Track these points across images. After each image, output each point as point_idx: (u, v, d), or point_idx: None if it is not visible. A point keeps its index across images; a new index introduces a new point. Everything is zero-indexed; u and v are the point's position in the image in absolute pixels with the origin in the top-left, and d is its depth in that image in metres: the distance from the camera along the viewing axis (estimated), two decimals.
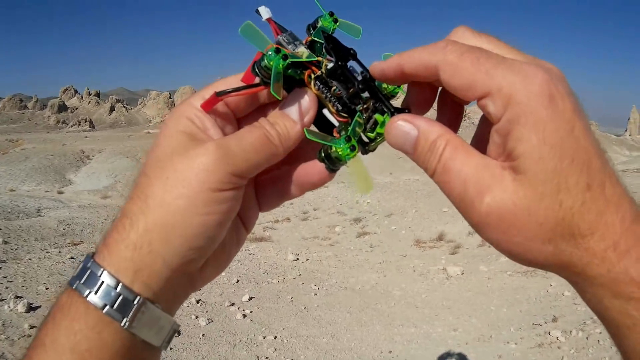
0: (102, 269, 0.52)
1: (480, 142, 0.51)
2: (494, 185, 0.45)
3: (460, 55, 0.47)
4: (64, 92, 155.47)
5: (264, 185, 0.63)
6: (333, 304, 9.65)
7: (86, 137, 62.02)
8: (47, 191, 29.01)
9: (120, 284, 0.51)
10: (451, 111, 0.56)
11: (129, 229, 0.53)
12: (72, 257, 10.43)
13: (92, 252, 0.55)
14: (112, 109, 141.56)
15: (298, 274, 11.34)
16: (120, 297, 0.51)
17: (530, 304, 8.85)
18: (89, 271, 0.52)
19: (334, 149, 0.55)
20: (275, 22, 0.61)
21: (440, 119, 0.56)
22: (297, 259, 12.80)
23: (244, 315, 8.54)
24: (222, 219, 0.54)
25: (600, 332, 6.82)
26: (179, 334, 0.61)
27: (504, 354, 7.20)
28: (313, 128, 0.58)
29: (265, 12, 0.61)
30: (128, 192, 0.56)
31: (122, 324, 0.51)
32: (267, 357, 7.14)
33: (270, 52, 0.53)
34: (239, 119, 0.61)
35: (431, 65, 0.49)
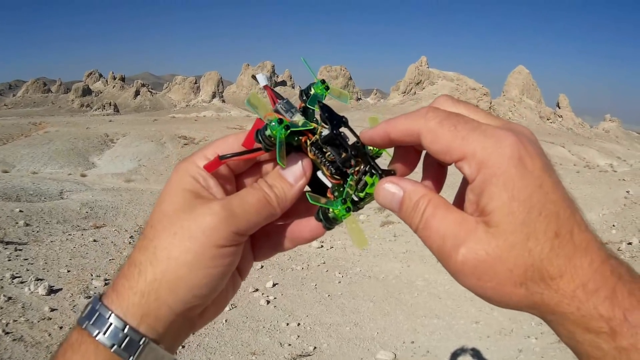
0: (110, 312, 0.57)
1: (461, 200, 0.54)
2: (469, 238, 0.49)
3: (439, 123, 0.51)
4: (88, 76, 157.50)
5: (260, 238, 0.68)
6: (357, 292, 9.77)
7: (110, 121, 62.59)
8: (70, 174, 29.21)
9: (128, 326, 0.56)
10: (435, 172, 0.60)
11: (137, 277, 0.57)
12: (94, 240, 10.46)
13: (99, 295, 0.60)
14: (137, 93, 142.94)
15: (322, 262, 11.49)
16: (128, 338, 0.56)
17: None
18: (97, 313, 0.57)
19: (331, 210, 0.60)
20: (271, 90, 0.65)
21: (426, 178, 0.60)
22: (322, 246, 12.99)
23: (268, 302, 8.61)
24: (225, 271, 0.59)
25: None
26: None
27: (525, 348, 7.38)
28: (307, 188, 0.64)
29: (262, 80, 0.66)
30: (136, 242, 0.61)
31: None
32: (290, 344, 7.18)
33: (273, 123, 0.58)
34: (237, 175, 0.66)
35: (414, 132, 0.53)
